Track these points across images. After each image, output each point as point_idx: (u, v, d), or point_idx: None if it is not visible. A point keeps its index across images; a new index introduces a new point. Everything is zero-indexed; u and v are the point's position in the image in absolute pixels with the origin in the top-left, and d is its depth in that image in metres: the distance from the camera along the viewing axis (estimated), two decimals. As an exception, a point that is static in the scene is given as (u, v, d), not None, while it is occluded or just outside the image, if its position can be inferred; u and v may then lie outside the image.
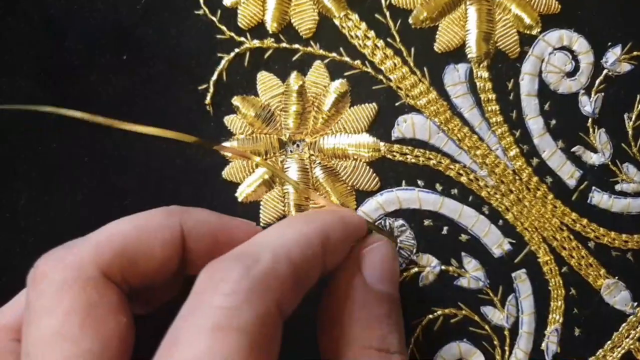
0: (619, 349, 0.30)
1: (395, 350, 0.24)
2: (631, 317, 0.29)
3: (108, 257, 0.22)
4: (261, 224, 0.28)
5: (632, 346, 0.30)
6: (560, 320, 0.29)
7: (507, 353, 0.29)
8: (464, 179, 0.28)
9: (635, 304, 0.29)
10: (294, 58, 0.28)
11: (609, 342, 0.30)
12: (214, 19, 0.28)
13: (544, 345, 0.29)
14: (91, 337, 0.20)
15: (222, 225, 0.25)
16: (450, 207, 0.28)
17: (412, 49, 0.28)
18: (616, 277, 0.29)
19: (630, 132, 0.29)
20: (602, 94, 0.28)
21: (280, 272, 0.21)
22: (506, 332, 0.29)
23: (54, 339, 0.20)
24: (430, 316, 0.28)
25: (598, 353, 0.29)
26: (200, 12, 0.28)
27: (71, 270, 0.21)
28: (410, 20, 0.28)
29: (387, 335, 0.24)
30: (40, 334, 0.21)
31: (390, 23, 0.28)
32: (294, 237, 0.23)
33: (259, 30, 0.28)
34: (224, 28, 0.28)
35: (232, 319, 0.19)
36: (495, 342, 0.29)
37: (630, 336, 0.30)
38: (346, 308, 0.24)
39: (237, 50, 0.28)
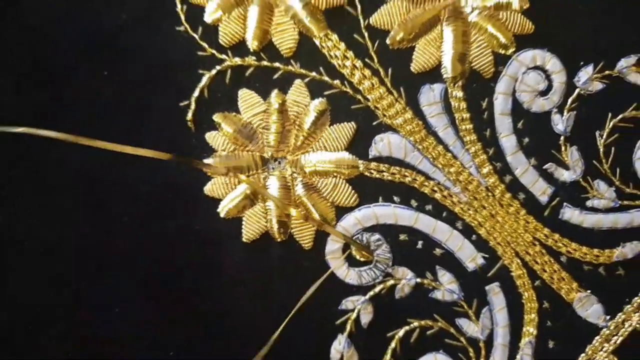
0: None
1: None
2: (604, 330, 0.33)
3: None
4: (244, 239, 0.32)
5: (605, 359, 0.33)
6: (534, 333, 0.32)
7: None
8: (438, 195, 0.31)
9: (608, 317, 0.32)
10: (275, 76, 0.31)
11: (582, 354, 0.32)
12: (195, 35, 0.31)
13: (518, 357, 0.32)
14: None
15: None
16: (425, 222, 0.31)
17: (390, 70, 0.30)
18: (588, 291, 0.32)
19: (601, 150, 0.32)
20: (575, 112, 0.31)
21: None
22: (481, 344, 0.32)
23: None
24: (407, 328, 0.31)
25: None
26: (182, 28, 0.31)
27: None
28: (388, 41, 0.30)
29: None
30: None
31: (369, 43, 0.30)
32: None
33: (240, 48, 0.31)
34: (205, 45, 0.31)
35: None
36: (471, 354, 0.32)
37: (604, 349, 0.33)
38: None
39: (218, 67, 0.31)
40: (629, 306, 0.32)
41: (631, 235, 0.32)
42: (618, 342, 0.32)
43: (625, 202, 0.32)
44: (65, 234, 0.31)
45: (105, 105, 0.31)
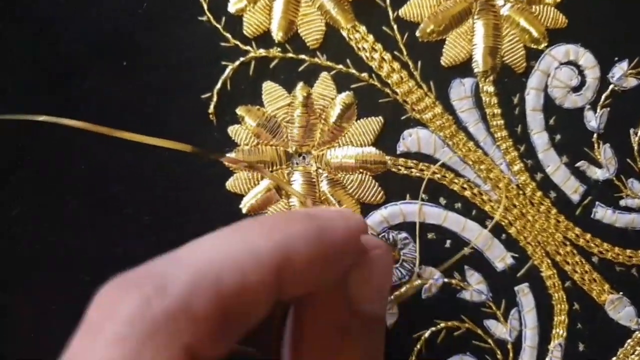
0: None
1: None
2: (636, 332, 0.32)
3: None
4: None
5: None
6: (564, 335, 0.32)
7: None
8: (467, 193, 0.31)
9: (640, 319, 0.33)
10: (300, 69, 0.31)
11: (614, 358, 0.32)
12: (218, 26, 0.31)
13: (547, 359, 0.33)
14: None
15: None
16: (454, 221, 0.31)
17: (419, 63, 0.30)
18: (620, 293, 0.32)
19: (635, 148, 0.32)
20: (608, 109, 0.31)
21: (198, 308, 0.17)
22: (509, 346, 0.32)
23: None
24: (433, 329, 0.31)
25: None
26: (204, 18, 0.31)
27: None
28: (418, 34, 0.31)
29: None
30: None
31: (398, 36, 0.31)
32: (235, 252, 0.18)
33: (264, 39, 0.31)
34: (228, 36, 0.31)
35: (137, 347, 0.16)
36: (499, 356, 0.32)
37: (636, 352, 0.32)
38: (320, 322, 0.22)
39: (242, 58, 0.31)
40: (661, 309, 0.32)
41: (665, 236, 0.32)
42: (650, 345, 0.32)
43: (659, 202, 0.32)
44: (79, 236, 0.31)
45: (125, 98, 0.31)
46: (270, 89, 0.31)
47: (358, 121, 0.31)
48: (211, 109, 0.31)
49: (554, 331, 0.32)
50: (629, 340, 0.32)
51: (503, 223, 0.31)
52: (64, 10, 0.31)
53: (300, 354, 0.21)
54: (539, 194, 0.31)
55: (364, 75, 0.31)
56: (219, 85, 0.31)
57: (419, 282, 0.30)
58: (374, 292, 0.23)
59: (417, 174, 0.31)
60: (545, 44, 0.31)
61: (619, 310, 0.32)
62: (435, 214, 0.31)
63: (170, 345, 0.16)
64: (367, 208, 0.31)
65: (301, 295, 0.20)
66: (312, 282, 0.19)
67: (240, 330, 0.17)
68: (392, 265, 0.26)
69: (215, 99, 0.31)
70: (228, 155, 0.30)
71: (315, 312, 0.21)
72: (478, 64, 0.31)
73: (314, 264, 0.19)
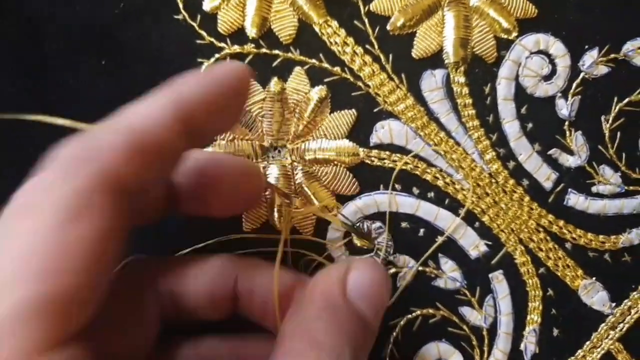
0: (599, 349, 0.34)
1: None
2: (610, 317, 0.34)
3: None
4: (244, 229, 0.33)
5: (611, 346, 0.34)
6: (539, 321, 0.34)
7: (485, 353, 0.33)
8: (440, 183, 0.32)
9: (614, 304, 0.33)
10: (274, 64, 0.32)
11: (588, 342, 0.34)
12: (193, 24, 0.32)
13: (522, 345, 0.33)
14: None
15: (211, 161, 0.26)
16: (427, 210, 0.32)
17: (390, 56, 0.32)
18: (594, 278, 0.33)
19: (607, 134, 0.33)
20: (579, 96, 0.33)
21: (113, 139, 0.20)
22: (484, 333, 0.33)
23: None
24: (409, 316, 0.32)
25: (577, 353, 0.34)
26: (180, 17, 0.32)
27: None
28: (389, 27, 0.32)
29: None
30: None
31: (369, 30, 0.32)
32: (141, 105, 0.23)
33: (239, 35, 0.32)
34: (204, 33, 0.32)
35: (35, 196, 0.19)
36: (474, 343, 0.33)
37: (610, 337, 0.34)
38: (316, 310, 0.24)
39: (217, 55, 0.32)
40: (635, 293, 0.33)
41: (637, 221, 0.33)
42: (624, 329, 0.34)
43: (631, 188, 0.33)
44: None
45: (104, 95, 0.32)
46: (246, 84, 0.32)
47: (332, 114, 0.32)
48: (188, 104, 0.32)
49: (528, 317, 0.33)
50: (602, 325, 0.34)
51: (476, 211, 0.33)
52: (47, 8, 0.32)
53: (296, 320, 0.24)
54: (511, 182, 0.33)
55: (337, 69, 0.32)
56: (195, 81, 0.32)
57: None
58: (369, 295, 0.25)
59: (390, 165, 0.32)
60: (516, 34, 0.32)
61: (592, 295, 0.33)
62: (408, 204, 0.32)
63: (87, 170, 0.19)
64: (342, 199, 0.32)
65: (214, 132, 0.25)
66: (215, 120, 0.24)
67: (158, 165, 0.22)
68: (389, 286, 0.27)
69: (192, 94, 0.32)
70: (205, 149, 0.32)
71: (316, 294, 0.25)
72: (449, 55, 0.32)
73: (209, 103, 0.23)
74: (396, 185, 0.32)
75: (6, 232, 0.18)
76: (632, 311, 0.34)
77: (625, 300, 0.34)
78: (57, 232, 0.18)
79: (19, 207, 0.19)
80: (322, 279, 0.26)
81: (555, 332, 0.33)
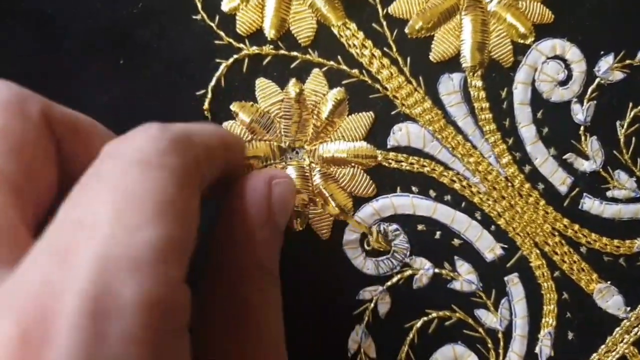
0: (613, 353, 0.35)
1: (277, 275, 0.29)
2: (625, 321, 0.35)
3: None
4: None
5: (626, 350, 0.35)
6: (554, 324, 0.35)
7: (501, 356, 0.34)
8: (457, 186, 0.34)
9: (629, 308, 0.35)
10: (292, 65, 0.33)
11: (603, 346, 0.35)
12: (212, 24, 0.33)
13: (537, 348, 0.34)
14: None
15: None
16: (443, 213, 0.33)
17: (408, 59, 0.33)
18: (608, 282, 0.35)
19: (622, 140, 0.34)
20: (595, 102, 0.34)
21: (196, 138, 0.24)
22: (500, 335, 0.34)
23: None
24: (425, 318, 0.34)
25: (592, 357, 0.35)
26: (199, 17, 0.34)
27: (18, 96, 0.23)
28: (407, 30, 0.33)
29: (275, 259, 0.29)
30: None
31: (387, 33, 0.33)
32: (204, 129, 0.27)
33: (257, 36, 0.33)
34: (222, 34, 0.33)
35: (161, 158, 0.21)
36: (490, 345, 0.34)
37: (624, 340, 0.35)
38: (245, 224, 0.28)
39: (235, 56, 0.33)
40: (650, 298, 0.35)
41: (652, 226, 0.35)
42: (639, 333, 0.35)
43: (646, 193, 0.34)
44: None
45: (121, 95, 0.33)
46: (264, 86, 0.33)
47: (349, 116, 0.33)
48: (206, 105, 0.33)
49: (543, 320, 0.34)
50: (617, 329, 0.35)
51: (492, 215, 0.34)
52: (65, 7, 0.33)
53: (230, 241, 0.28)
54: (527, 185, 0.34)
55: (355, 71, 0.33)
56: (213, 82, 0.33)
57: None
58: (285, 206, 0.29)
59: (407, 168, 0.33)
60: (532, 39, 0.34)
61: (607, 299, 0.35)
62: (425, 206, 0.33)
63: (188, 150, 0.23)
64: (359, 201, 0.33)
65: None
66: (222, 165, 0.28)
67: (212, 175, 0.26)
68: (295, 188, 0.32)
69: (209, 95, 0.33)
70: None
71: (239, 213, 0.28)
72: (466, 59, 0.33)
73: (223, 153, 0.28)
74: (413, 188, 0.34)
75: (141, 176, 0.21)
76: (647, 316, 0.35)
77: (640, 305, 0.35)
78: (178, 189, 0.21)
79: (147, 162, 0.21)
80: (249, 199, 0.29)
81: (570, 335, 0.35)
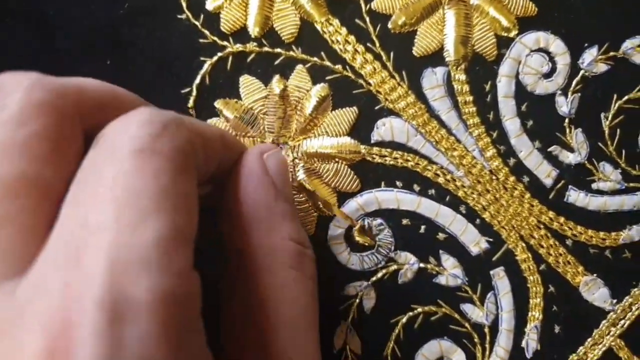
0: (600, 346, 0.36)
1: (308, 245, 0.29)
2: (611, 313, 0.36)
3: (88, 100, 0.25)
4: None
5: (612, 343, 0.36)
6: (540, 318, 0.35)
7: (487, 351, 0.35)
8: (441, 180, 0.34)
9: (615, 300, 0.35)
10: (276, 62, 0.34)
11: (589, 339, 0.35)
12: (197, 23, 0.34)
13: (524, 342, 0.35)
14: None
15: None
16: (428, 207, 0.34)
17: (392, 54, 0.34)
18: (594, 275, 0.35)
19: (606, 132, 0.35)
20: (579, 94, 0.35)
21: (188, 122, 0.25)
22: (486, 330, 0.35)
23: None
24: (411, 314, 0.34)
25: (579, 350, 0.35)
26: (184, 16, 0.34)
27: (52, 95, 0.23)
28: (390, 25, 0.34)
29: (300, 229, 0.29)
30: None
31: (370, 28, 0.34)
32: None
33: (241, 34, 0.34)
34: (207, 32, 0.34)
35: (154, 144, 0.22)
36: (476, 340, 0.35)
37: (611, 333, 0.36)
38: (259, 205, 0.28)
39: (219, 54, 0.34)
40: (635, 289, 0.35)
41: (638, 218, 0.35)
42: (625, 325, 0.35)
43: (631, 185, 0.35)
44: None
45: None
46: (247, 83, 0.34)
47: (333, 112, 0.34)
48: (191, 103, 0.34)
49: (530, 314, 0.35)
50: (603, 322, 0.35)
51: (477, 208, 0.35)
52: (52, 9, 0.34)
53: (245, 218, 0.28)
54: (512, 178, 0.35)
55: (338, 67, 0.34)
56: (197, 80, 0.34)
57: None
58: (285, 175, 0.30)
59: (391, 162, 0.34)
60: (516, 32, 0.34)
61: (593, 291, 0.35)
62: (410, 201, 0.34)
63: (182, 133, 0.23)
64: (343, 196, 0.34)
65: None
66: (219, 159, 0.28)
67: (209, 165, 0.27)
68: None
69: (194, 93, 0.34)
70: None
71: (247, 190, 0.29)
72: (450, 53, 0.34)
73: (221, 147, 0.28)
74: (397, 182, 0.34)
75: (136, 168, 0.21)
76: (634, 307, 0.35)
77: (627, 297, 0.35)
78: (174, 174, 0.22)
79: (141, 150, 0.22)
80: (252, 179, 0.29)
81: (557, 328, 0.35)
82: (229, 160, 0.29)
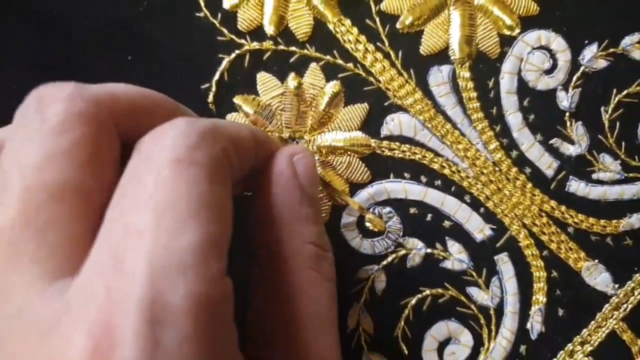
0: (603, 328, 0.38)
1: (328, 249, 0.32)
2: (614, 297, 0.38)
3: (123, 108, 0.27)
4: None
5: (616, 326, 0.39)
6: (544, 301, 0.38)
7: (493, 332, 0.38)
8: (446, 171, 0.38)
9: (617, 285, 0.38)
10: (291, 60, 0.37)
11: (592, 322, 0.38)
12: (214, 21, 0.37)
13: (529, 324, 0.38)
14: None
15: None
16: (434, 197, 0.37)
17: (400, 53, 0.37)
18: (596, 260, 0.38)
19: (606, 124, 0.38)
20: (579, 89, 0.37)
21: (223, 130, 0.26)
22: (492, 312, 0.38)
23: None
24: (419, 296, 0.37)
25: (583, 332, 0.38)
26: (202, 14, 0.37)
27: (89, 105, 0.25)
28: (398, 25, 0.37)
29: (322, 233, 0.32)
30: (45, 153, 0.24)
31: (380, 28, 0.37)
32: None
33: (258, 33, 0.37)
34: (224, 30, 0.37)
35: (191, 154, 0.24)
36: (482, 321, 0.38)
37: (614, 317, 0.38)
38: (284, 207, 0.30)
39: (237, 51, 0.37)
40: (637, 275, 0.38)
41: (638, 206, 0.38)
42: (628, 309, 0.38)
43: (631, 175, 0.38)
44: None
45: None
46: (265, 79, 0.37)
47: (345, 108, 0.37)
48: (210, 98, 0.37)
49: (534, 297, 0.38)
50: (606, 305, 0.38)
51: (481, 197, 0.38)
52: (72, 6, 0.37)
53: (269, 222, 0.31)
54: (514, 169, 0.38)
55: (350, 65, 0.37)
56: (216, 77, 0.37)
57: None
58: (312, 177, 0.32)
59: (400, 155, 0.38)
60: (518, 31, 0.37)
61: (595, 276, 0.38)
62: (417, 191, 0.38)
63: (216, 143, 0.25)
64: (355, 187, 0.38)
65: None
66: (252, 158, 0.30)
67: (243, 168, 0.29)
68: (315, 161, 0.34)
69: (214, 89, 0.37)
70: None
71: (274, 193, 0.31)
72: (455, 52, 0.37)
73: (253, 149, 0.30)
74: (405, 174, 0.38)
75: (174, 177, 0.23)
76: (636, 292, 0.38)
77: (629, 282, 0.38)
78: (210, 184, 0.24)
79: (179, 160, 0.24)
80: (279, 183, 0.31)
81: (561, 312, 0.38)
82: (261, 159, 0.31)
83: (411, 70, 0.37)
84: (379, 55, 0.37)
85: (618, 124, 0.38)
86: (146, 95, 0.29)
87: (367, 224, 0.37)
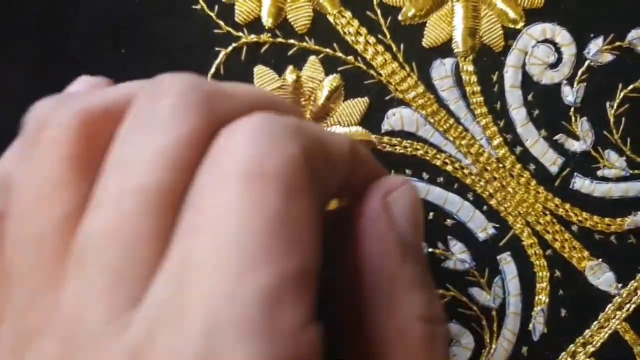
0: (606, 329, 0.39)
1: (442, 321, 0.24)
2: (617, 297, 0.39)
3: None
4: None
5: (618, 326, 0.39)
6: (546, 301, 0.39)
7: (495, 334, 0.38)
8: (449, 168, 0.38)
9: (620, 285, 0.38)
10: (290, 53, 0.37)
11: (595, 322, 0.38)
12: (211, 14, 0.37)
13: (531, 325, 0.38)
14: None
15: None
16: (436, 194, 0.37)
17: (402, 45, 0.37)
18: (600, 259, 0.38)
19: (612, 120, 0.38)
20: (584, 83, 0.38)
21: (307, 131, 0.21)
22: (494, 313, 0.38)
23: None
24: (420, 296, 0.38)
25: (585, 333, 0.38)
26: (198, 7, 0.37)
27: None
28: (400, 17, 0.37)
29: (432, 300, 0.24)
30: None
31: (381, 20, 0.37)
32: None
33: (255, 25, 0.37)
34: (221, 23, 0.37)
35: (261, 164, 0.19)
36: (484, 323, 0.38)
37: (617, 317, 0.39)
38: (380, 269, 0.23)
39: (234, 44, 0.37)
40: (641, 274, 0.39)
41: (643, 205, 0.38)
42: (631, 309, 0.38)
43: (636, 171, 0.38)
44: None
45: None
46: (262, 73, 0.37)
47: (345, 102, 0.37)
48: (206, 92, 0.37)
49: (536, 298, 0.38)
50: (609, 305, 0.38)
51: (484, 195, 0.38)
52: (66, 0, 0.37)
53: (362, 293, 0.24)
54: (518, 166, 0.38)
55: (350, 58, 0.37)
56: (212, 70, 0.37)
57: None
58: (415, 222, 0.25)
59: (401, 151, 0.38)
60: (523, 24, 0.37)
61: (599, 276, 0.38)
62: (419, 188, 0.37)
63: (294, 143, 0.20)
64: (355, 184, 0.37)
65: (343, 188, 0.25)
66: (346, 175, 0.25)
67: (333, 179, 0.23)
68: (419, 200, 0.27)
69: (209, 83, 0.37)
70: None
71: (367, 251, 0.24)
72: (458, 45, 0.37)
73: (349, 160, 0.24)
74: (407, 171, 0.38)
75: (241, 196, 0.19)
76: (639, 292, 0.38)
77: (632, 281, 0.38)
78: (287, 200, 0.19)
79: (246, 173, 0.19)
80: (366, 210, 0.25)
81: (563, 312, 0.38)
82: (361, 179, 0.25)
83: (413, 64, 0.37)
84: (380, 47, 0.37)
85: (623, 119, 0.38)
86: (260, 96, 0.24)
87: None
